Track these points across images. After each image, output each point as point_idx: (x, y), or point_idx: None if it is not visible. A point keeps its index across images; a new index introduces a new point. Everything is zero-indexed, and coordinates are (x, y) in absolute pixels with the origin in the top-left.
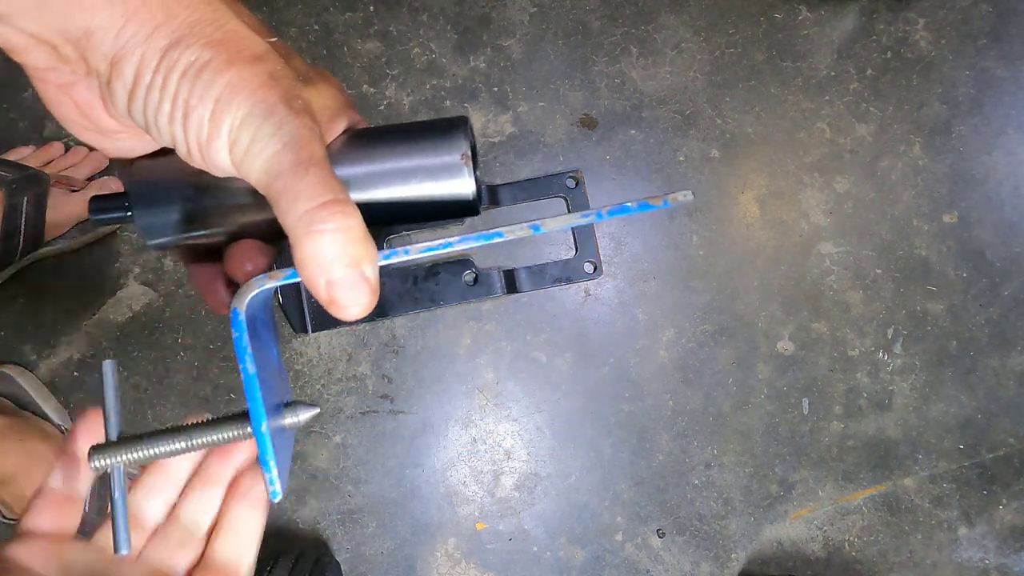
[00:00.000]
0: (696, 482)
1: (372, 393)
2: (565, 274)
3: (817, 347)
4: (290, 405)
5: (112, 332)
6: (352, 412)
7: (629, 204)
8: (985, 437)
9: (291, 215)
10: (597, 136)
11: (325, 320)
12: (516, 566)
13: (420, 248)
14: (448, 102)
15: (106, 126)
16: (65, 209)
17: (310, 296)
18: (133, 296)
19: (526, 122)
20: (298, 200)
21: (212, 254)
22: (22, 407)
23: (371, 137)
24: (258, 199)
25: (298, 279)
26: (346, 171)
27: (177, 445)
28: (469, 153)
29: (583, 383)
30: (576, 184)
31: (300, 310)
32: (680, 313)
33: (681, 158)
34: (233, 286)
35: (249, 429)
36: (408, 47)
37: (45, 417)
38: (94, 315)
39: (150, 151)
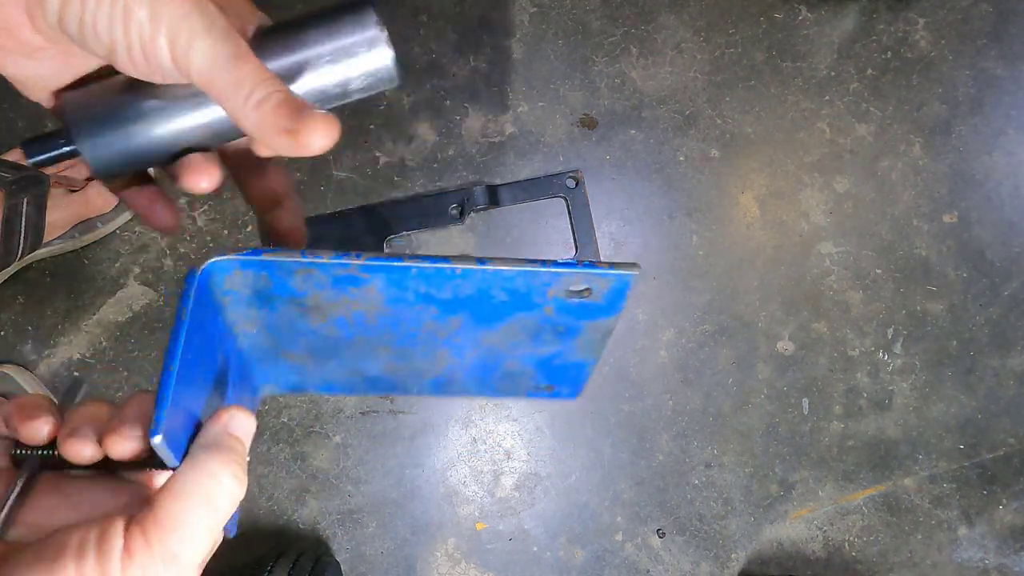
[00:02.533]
0: (696, 482)
1: None
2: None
3: (817, 347)
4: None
5: (112, 332)
6: (352, 412)
7: (575, 263)
8: (985, 437)
9: (237, 99)
10: (597, 136)
11: None
12: (516, 566)
13: (370, 262)
14: (448, 102)
15: (31, 43)
16: (65, 209)
17: None
18: (133, 296)
19: (526, 122)
20: (242, 85)
21: (142, 177)
22: None
23: (285, 31)
24: (198, 103)
25: (261, 255)
26: (270, 65)
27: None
28: (383, 27)
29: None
30: (576, 184)
31: None
32: (680, 313)
33: (681, 158)
34: (172, 204)
35: None
36: (408, 47)
37: None
38: (94, 315)
39: (69, 80)
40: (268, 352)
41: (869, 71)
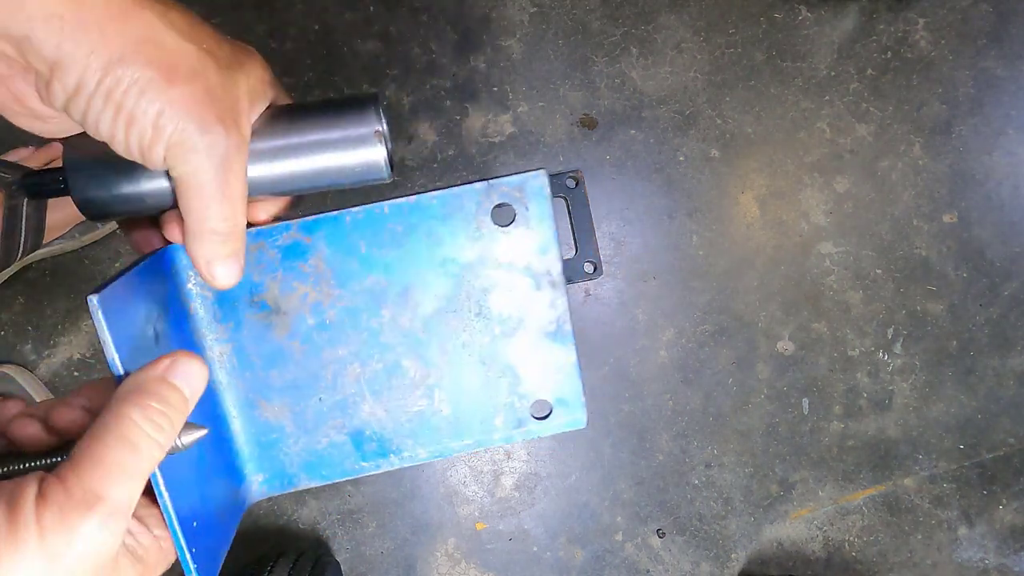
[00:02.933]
0: (696, 482)
1: None
2: (565, 274)
3: (817, 347)
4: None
5: None
6: None
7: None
8: (985, 437)
9: (197, 228)
10: (597, 136)
11: None
12: (516, 566)
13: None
14: (448, 102)
15: (40, 112)
16: (65, 210)
17: None
18: None
19: (526, 122)
20: (208, 211)
21: (150, 219)
22: None
23: (292, 113)
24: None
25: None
26: (270, 143)
27: None
28: (382, 128)
29: (583, 383)
30: (576, 184)
31: None
32: (680, 313)
33: (681, 158)
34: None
35: None
36: (408, 47)
37: None
38: None
39: (76, 132)
40: (245, 405)
41: (869, 71)
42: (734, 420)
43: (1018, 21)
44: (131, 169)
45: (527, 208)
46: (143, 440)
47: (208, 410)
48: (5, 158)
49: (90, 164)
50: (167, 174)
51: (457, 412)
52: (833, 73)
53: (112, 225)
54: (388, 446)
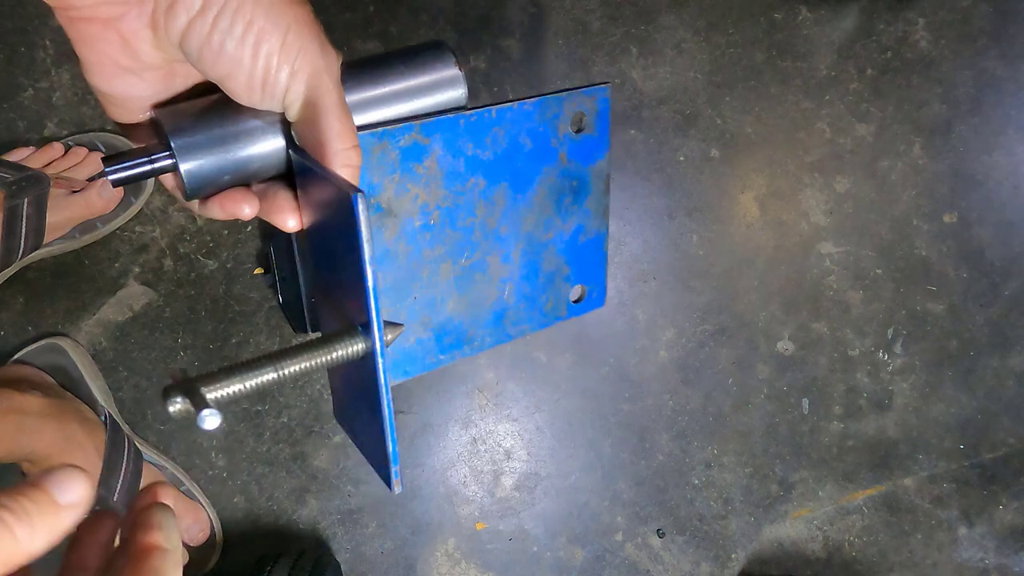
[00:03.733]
0: (696, 482)
1: None
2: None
3: (817, 347)
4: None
5: (112, 332)
6: None
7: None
8: (985, 437)
9: (332, 149)
10: None
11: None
12: (516, 566)
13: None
14: None
15: (148, 61)
16: (66, 210)
17: (310, 296)
18: (133, 296)
19: None
20: (342, 140)
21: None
22: (69, 383)
23: (373, 65)
24: (277, 130)
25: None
26: (359, 95)
27: (269, 376)
28: (460, 69)
29: (583, 383)
30: None
31: (300, 310)
32: (680, 313)
33: (681, 158)
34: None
35: (361, 346)
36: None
37: (90, 396)
38: (94, 315)
39: (163, 99)
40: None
41: (869, 71)
42: (734, 420)
43: (1018, 21)
44: (237, 131)
45: (595, 116)
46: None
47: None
48: (5, 158)
49: (195, 130)
50: (273, 129)
51: (519, 301)
52: (833, 73)
53: (112, 225)
54: (463, 337)
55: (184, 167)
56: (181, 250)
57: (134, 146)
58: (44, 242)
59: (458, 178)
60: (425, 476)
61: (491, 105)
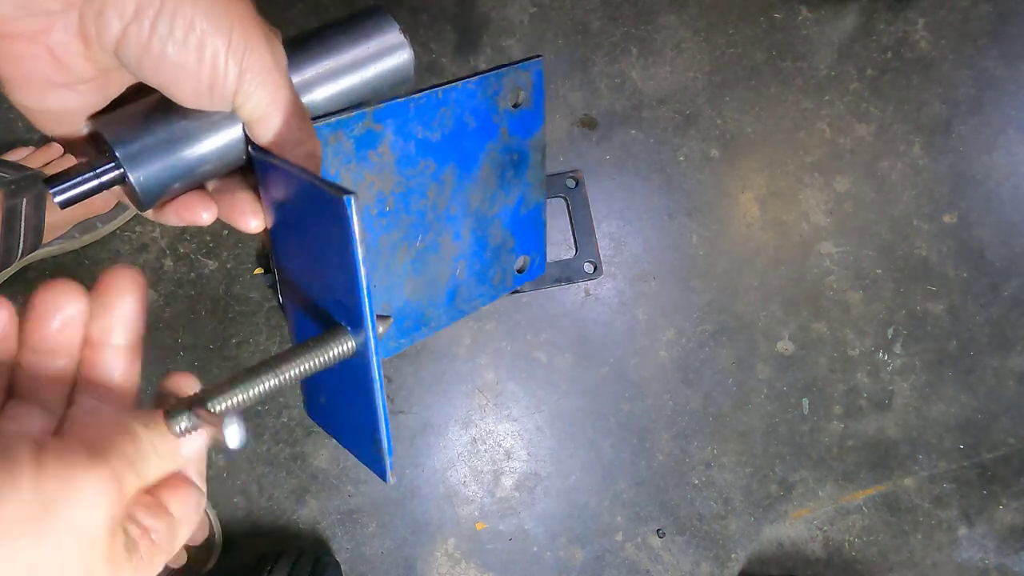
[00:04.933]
0: (696, 482)
1: None
2: (565, 274)
3: (817, 347)
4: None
5: None
6: None
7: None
8: (985, 437)
9: (290, 146)
10: (597, 136)
11: None
12: (516, 566)
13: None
14: None
15: (80, 73)
16: (65, 210)
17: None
18: None
19: None
20: (297, 134)
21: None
22: None
23: (312, 41)
24: (225, 125)
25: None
26: (305, 74)
27: (268, 383)
28: (402, 31)
29: (583, 383)
30: (576, 184)
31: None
32: (680, 313)
33: (681, 158)
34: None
35: (352, 344)
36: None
37: None
38: None
39: (100, 108)
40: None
41: (869, 71)
42: (734, 420)
43: (1018, 21)
44: (186, 131)
45: (531, 91)
46: (137, 457)
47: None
48: (5, 158)
49: (140, 136)
50: (223, 124)
51: (469, 277)
52: (833, 73)
53: (112, 225)
54: (420, 319)
55: (133, 176)
56: (181, 250)
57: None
58: (44, 242)
59: (410, 162)
60: (425, 476)
61: (436, 87)
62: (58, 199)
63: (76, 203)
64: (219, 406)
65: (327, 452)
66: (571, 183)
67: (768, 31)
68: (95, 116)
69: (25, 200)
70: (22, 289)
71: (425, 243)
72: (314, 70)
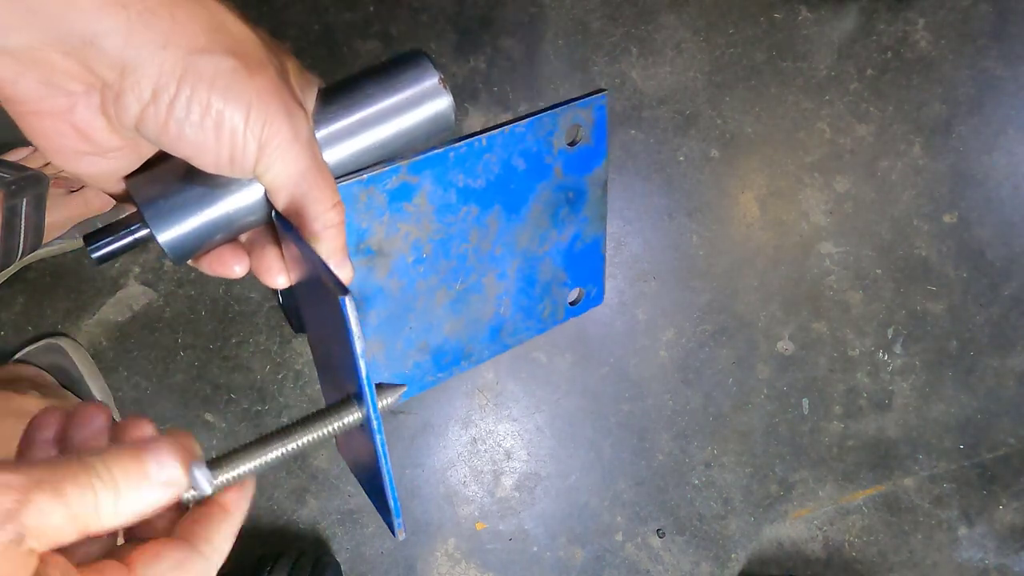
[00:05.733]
0: (696, 482)
1: None
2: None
3: (817, 347)
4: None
5: (112, 332)
6: None
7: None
8: (985, 437)
9: (310, 215)
10: None
11: None
12: (516, 566)
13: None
14: None
15: (106, 144)
16: (65, 210)
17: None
18: (133, 296)
19: None
20: (317, 204)
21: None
22: (69, 383)
23: (347, 89)
24: (250, 187)
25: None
26: (340, 123)
27: (277, 452)
28: (440, 76)
29: (583, 383)
30: None
31: (300, 310)
32: (680, 313)
33: (681, 158)
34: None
35: (359, 415)
36: (408, 47)
37: (90, 396)
38: (94, 315)
39: (135, 167)
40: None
41: (869, 71)
42: (734, 420)
43: (1018, 21)
44: (212, 192)
45: (591, 127)
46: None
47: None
48: (5, 158)
49: (167, 198)
50: (250, 184)
51: (516, 312)
52: (833, 73)
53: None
54: (460, 355)
55: (160, 236)
56: None
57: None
58: (44, 242)
59: (450, 210)
60: (425, 476)
61: (480, 133)
62: (95, 255)
63: (113, 258)
64: (223, 477)
65: (327, 452)
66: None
67: (768, 31)
68: (130, 176)
69: (25, 200)
70: (22, 289)
71: (466, 284)
72: (344, 122)
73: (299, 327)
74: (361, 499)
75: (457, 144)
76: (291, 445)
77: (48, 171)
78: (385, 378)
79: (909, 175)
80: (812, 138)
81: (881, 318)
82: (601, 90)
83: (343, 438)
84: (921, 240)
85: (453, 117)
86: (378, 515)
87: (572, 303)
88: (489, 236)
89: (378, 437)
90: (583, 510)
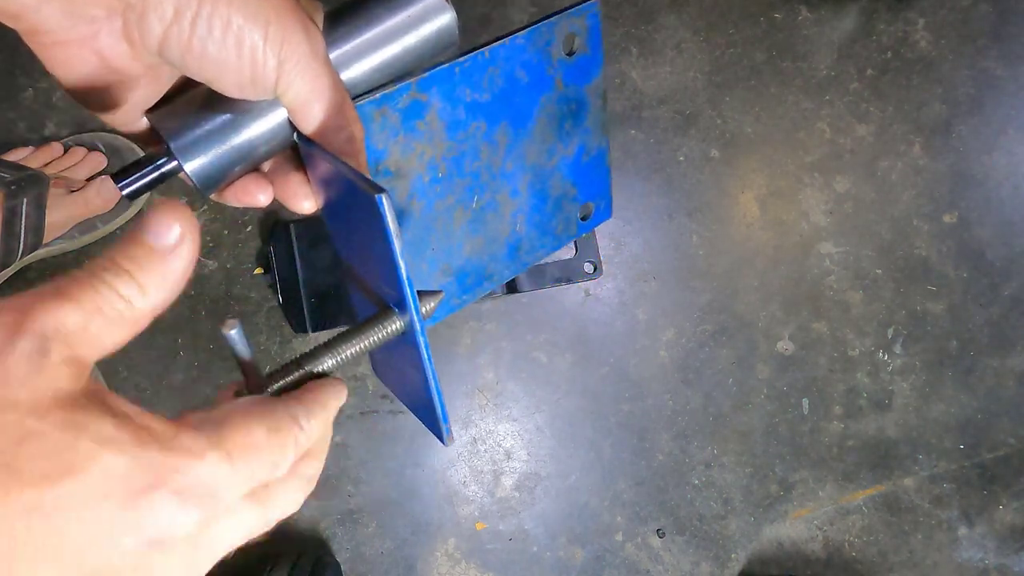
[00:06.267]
0: (696, 482)
1: (372, 393)
2: (565, 274)
3: (817, 347)
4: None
5: None
6: (352, 412)
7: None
8: (985, 437)
9: (331, 132)
10: None
11: (325, 320)
12: (516, 566)
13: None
14: None
15: (129, 72)
16: (65, 210)
17: (310, 296)
18: None
19: None
20: (337, 120)
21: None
22: None
23: (350, 13)
24: (271, 110)
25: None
26: (344, 48)
27: (328, 362)
28: None
29: (583, 383)
30: None
31: (300, 310)
32: (680, 313)
33: (681, 158)
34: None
35: (400, 324)
36: None
37: None
38: None
39: (154, 101)
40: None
41: (869, 71)
42: (734, 420)
43: (1018, 21)
44: (235, 118)
45: (587, 35)
46: (288, 442)
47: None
48: (5, 158)
49: (192, 128)
50: (272, 107)
51: (531, 230)
52: (833, 73)
53: (112, 225)
54: (482, 275)
55: (189, 167)
56: None
57: (142, 154)
58: (44, 242)
59: (460, 126)
60: (425, 476)
61: (483, 46)
62: (125, 192)
63: (141, 194)
64: (276, 386)
65: (327, 452)
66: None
67: (768, 31)
68: (151, 111)
69: (25, 200)
70: (22, 289)
71: (482, 202)
72: (354, 43)
73: (299, 327)
74: (361, 499)
75: (462, 58)
76: (340, 356)
77: (48, 171)
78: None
79: (909, 175)
80: (812, 138)
81: (881, 318)
82: None
83: (382, 356)
84: (921, 240)
85: (457, 31)
86: (378, 514)
87: (583, 218)
88: (499, 152)
89: (421, 339)
90: (583, 510)
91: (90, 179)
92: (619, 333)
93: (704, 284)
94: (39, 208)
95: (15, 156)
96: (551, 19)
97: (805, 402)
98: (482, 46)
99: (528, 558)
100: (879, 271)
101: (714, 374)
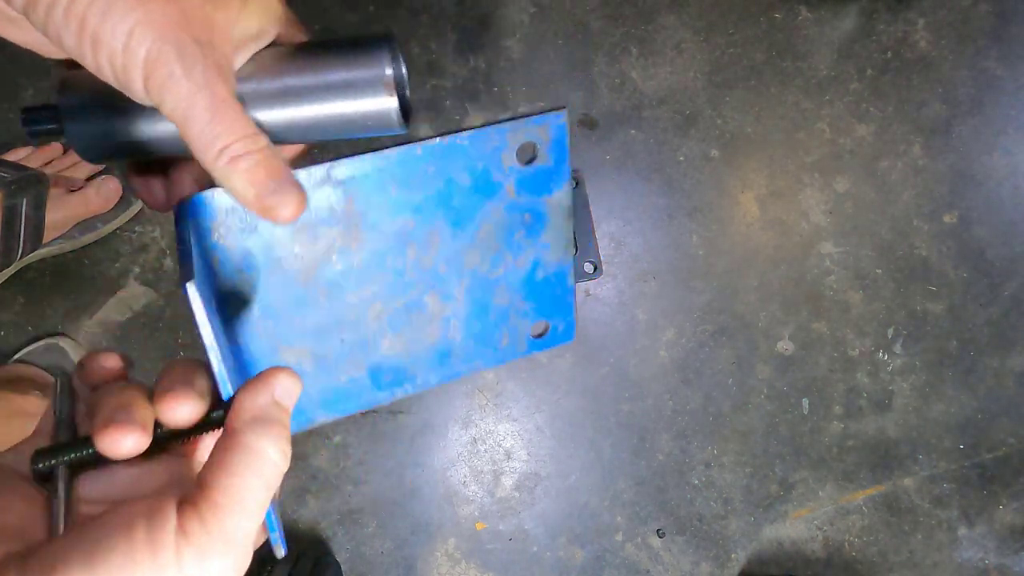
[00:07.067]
0: (696, 482)
1: None
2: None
3: (817, 347)
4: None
5: (112, 332)
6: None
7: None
8: (985, 437)
9: (210, 151)
10: (597, 136)
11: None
12: (516, 566)
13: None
14: (448, 102)
15: (8, 13)
16: (65, 209)
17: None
18: (133, 296)
19: None
20: (217, 138)
21: (154, 164)
22: (70, 383)
23: (307, 53)
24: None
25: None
26: (269, 84)
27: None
28: (393, 73)
29: (583, 383)
30: (576, 184)
31: None
32: (680, 313)
33: (681, 158)
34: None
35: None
36: (408, 47)
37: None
38: (94, 315)
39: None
40: (267, 352)
41: (869, 71)
42: (734, 420)
43: (1018, 21)
44: (128, 106)
45: (548, 146)
46: (273, 475)
47: (232, 359)
48: (5, 158)
49: (85, 99)
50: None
51: (467, 338)
52: (833, 73)
53: (112, 225)
54: (403, 376)
55: (69, 135)
56: None
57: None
58: (44, 242)
59: (381, 219)
60: (425, 476)
61: (418, 140)
62: (25, 129)
63: (43, 136)
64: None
65: (327, 452)
66: (571, 183)
67: (768, 31)
68: (70, 71)
69: (25, 200)
70: (22, 289)
71: (405, 301)
72: (276, 83)
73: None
74: (361, 499)
75: (390, 150)
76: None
77: (48, 171)
78: (316, 389)
79: (909, 175)
80: (812, 138)
81: (881, 318)
82: (561, 107)
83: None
84: (921, 240)
85: (399, 121)
86: (378, 514)
87: (536, 336)
88: (430, 252)
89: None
90: (583, 510)
91: (90, 179)
92: (619, 333)
93: (704, 284)
94: (39, 208)
95: (15, 156)
96: (505, 124)
97: (805, 402)
98: (423, 139)
99: (528, 558)
100: (879, 271)
101: (714, 374)
